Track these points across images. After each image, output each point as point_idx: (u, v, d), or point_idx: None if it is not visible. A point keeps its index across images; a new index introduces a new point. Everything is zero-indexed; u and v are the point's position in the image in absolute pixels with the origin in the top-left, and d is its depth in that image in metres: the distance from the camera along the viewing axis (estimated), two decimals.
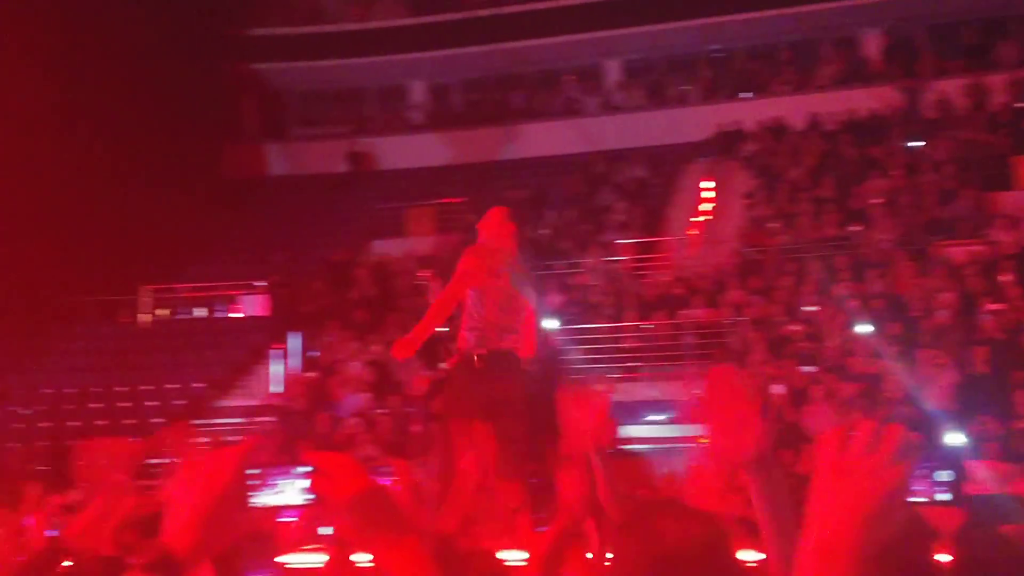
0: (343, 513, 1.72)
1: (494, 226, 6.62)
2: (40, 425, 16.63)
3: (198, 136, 23.45)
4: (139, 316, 20.37)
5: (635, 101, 24.14)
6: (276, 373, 17.51)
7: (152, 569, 1.62)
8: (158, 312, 20.45)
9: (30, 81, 18.73)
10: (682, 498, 2.39)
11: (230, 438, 13.19)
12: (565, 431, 2.92)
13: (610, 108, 24.16)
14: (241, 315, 20.07)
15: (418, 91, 26.03)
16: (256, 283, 20.07)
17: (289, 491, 13.10)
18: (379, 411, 15.33)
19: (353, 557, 5.03)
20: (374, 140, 24.93)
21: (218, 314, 20.30)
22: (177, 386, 17.51)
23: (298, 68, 25.37)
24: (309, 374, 17.15)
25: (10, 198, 18.11)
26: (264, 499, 12.63)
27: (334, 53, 25.12)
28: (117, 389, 17.39)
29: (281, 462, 13.21)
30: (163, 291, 20.54)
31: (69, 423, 16.45)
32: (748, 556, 3.37)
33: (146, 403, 17.16)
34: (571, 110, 24.37)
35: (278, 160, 25.62)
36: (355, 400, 15.94)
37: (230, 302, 20.28)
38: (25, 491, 9.62)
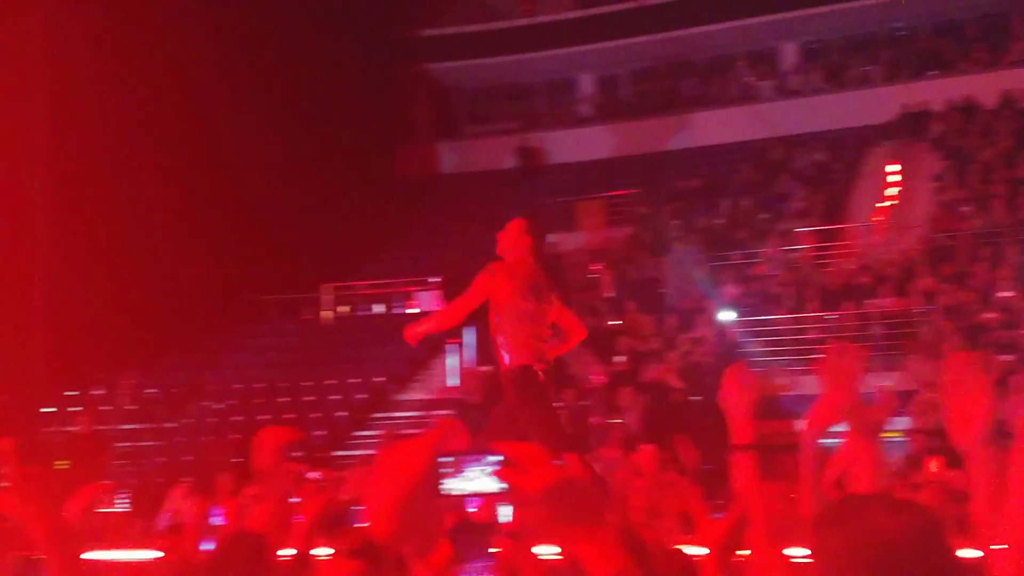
0: (535, 504, 1.65)
1: (512, 239, 6.39)
2: (232, 419, 17.35)
3: (373, 138, 24.08)
4: (321, 313, 21.06)
5: (813, 84, 23.37)
6: (452, 367, 17.76)
7: (356, 555, 1.64)
8: (339, 309, 21.10)
9: (215, 90, 19.60)
10: (892, 491, 2.23)
11: (408, 431, 13.43)
12: (729, 419, 2.81)
13: (787, 92, 23.48)
14: (417, 310, 20.44)
15: (587, 83, 25.96)
16: (431, 279, 20.42)
17: (479, 479, 13.19)
18: (555, 404, 15.28)
19: (534, 549, 4.95)
20: (543, 135, 24.99)
21: (395, 310, 20.76)
22: (358, 380, 17.99)
23: (467, 66, 25.69)
24: (484, 367, 17.30)
25: (205, 205, 19.02)
26: (454, 486, 12.77)
27: (502, 50, 25.31)
28: (303, 384, 17.99)
29: (470, 449, 13.34)
30: (343, 289, 21.18)
31: (259, 416, 17.11)
32: (965, 553, 3.10)
33: (330, 397, 17.70)
34: (746, 96, 23.80)
35: (449, 158, 26.01)
36: None
37: (406, 298, 20.72)
38: (218, 482, 10.02)
